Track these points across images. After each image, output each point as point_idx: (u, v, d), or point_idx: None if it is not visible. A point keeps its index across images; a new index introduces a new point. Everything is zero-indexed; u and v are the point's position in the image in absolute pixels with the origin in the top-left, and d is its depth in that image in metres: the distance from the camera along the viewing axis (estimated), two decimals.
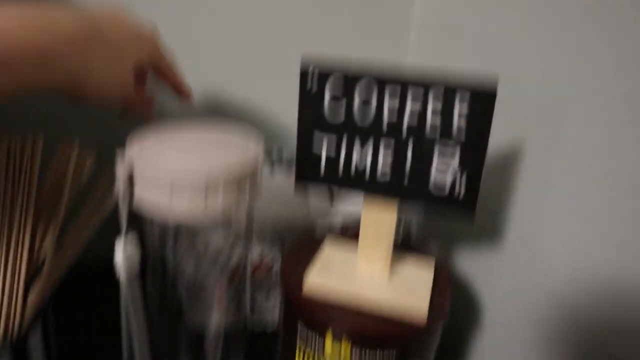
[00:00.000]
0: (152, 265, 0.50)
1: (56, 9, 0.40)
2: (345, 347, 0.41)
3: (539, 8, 0.50)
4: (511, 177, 0.54)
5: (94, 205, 0.52)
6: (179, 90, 0.56)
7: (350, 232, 0.55)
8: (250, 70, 0.70)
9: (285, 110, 0.72)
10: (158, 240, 0.49)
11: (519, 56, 0.53)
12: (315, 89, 0.42)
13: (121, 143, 0.43)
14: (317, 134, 0.43)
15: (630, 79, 0.41)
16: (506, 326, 0.55)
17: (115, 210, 0.43)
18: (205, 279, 0.52)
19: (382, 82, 0.41)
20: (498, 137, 0.47)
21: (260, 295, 0.59)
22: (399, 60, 0.76)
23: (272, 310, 0.60)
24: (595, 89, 0.44)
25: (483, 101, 0.40)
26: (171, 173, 0.39)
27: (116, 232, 0.43)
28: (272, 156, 0.67)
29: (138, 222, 0.44)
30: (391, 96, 0.41)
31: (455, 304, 0.48)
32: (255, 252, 0.57)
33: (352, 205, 0.58)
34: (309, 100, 0.43)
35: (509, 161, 0.53)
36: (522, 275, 0.53)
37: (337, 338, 0.41)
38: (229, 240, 0.51)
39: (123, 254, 0.42)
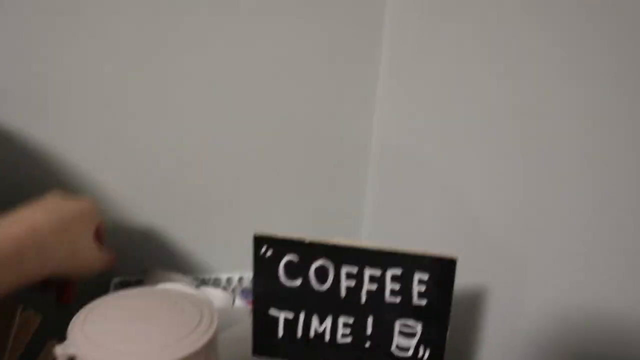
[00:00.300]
0: None
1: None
2: None
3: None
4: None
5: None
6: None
7: None
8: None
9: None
10: None
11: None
12: (269, 263, 0.41)
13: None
14: (273, 309, 0.42)
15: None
16: None
17: None
18: None
19: (338, 262, 0.40)
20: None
21: None
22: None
23: None
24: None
25: (444, 269, 0.39)
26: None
27: None
28: (232, 286, 0.65)
29: None
30: (349, 276, 0.40)
31: None
32: None
33: None
34: (263, 274, 0.41)
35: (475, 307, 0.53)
36: None
37: None
38: None
39: None
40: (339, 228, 0.73)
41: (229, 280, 0.68)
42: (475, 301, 0.52)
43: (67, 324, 0.42)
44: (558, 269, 0.44)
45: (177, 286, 0.49)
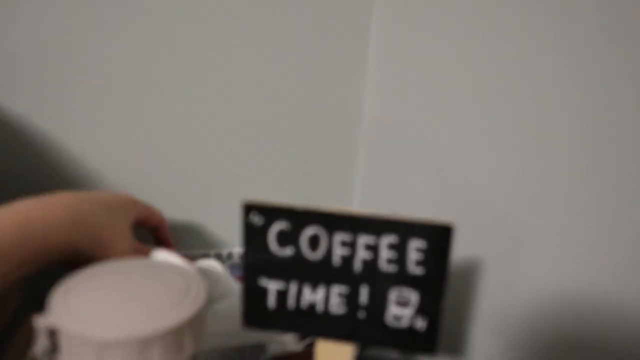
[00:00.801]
0: None
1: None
2: None
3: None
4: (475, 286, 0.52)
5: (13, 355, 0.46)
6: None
7: (304, 343, 0.51)
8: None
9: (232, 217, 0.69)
10: None
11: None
12: (259, 232, 0.39)
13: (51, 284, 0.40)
14: (263, 279, 0.40)
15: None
16: None
17: None
18: None
19: (321, 220, 0.38)
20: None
21: None
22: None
23: None
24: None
25: (441, 236, 0.37)
26: (99, 336, 0.35)
27: None
28: (222, 260, 0.64)
29: None
30: (342, 244, 0.38)
31: None
32: None
33: None
34: (253, 243, 0.40)
35: (470, 275, 0.51)
36: None
37: None
38: None
39: None
40: (330, 202, 0.71)
41: (217, 255, 0.66)
42: (468, 275, 0.51)
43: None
44: (555, 247, 0.43)
45: (164, 257, 0.47)
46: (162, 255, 0.49)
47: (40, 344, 0.36)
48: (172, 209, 0.64)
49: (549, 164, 0.43)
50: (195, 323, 0.39)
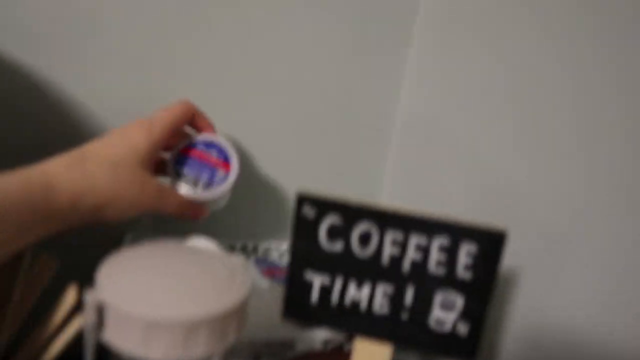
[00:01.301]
0: None
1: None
2: None
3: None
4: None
5: (54, 326, 0.46)
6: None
7: (330, 345, 0.51)
8: None
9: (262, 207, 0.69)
10: None
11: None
12: (310, 224, 0.39)
13: (91, 256, 0.41)
14: (309, 272, 0.40)
15: None
16: None
17: (81, 339, 0.38)
18: None
19: (383, 227, 0.38)
20: None
21: None
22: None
23: None
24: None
25: (492, 241, 0.37)
26: (147, 316, 0.34)
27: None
28: (247, 253, 0.64)
29: (105, 356, 0.39)
30: (393, 243, 0.38)
31: None
32: None
33: None
34: (302, 235, 0.40)
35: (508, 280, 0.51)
36: None
37: None
38: None
39: None
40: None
41: (243, 247, 0.66)
42: (506, 280, 0.51)
43: (85, 269, 0.40)
44: (601, 255, 0.43)
45: (204, 244, 0.47)
46: (202, 243, 0.49)
47: (88, 318, 0.36)
48: None
49: (600, 175, 0.43)
50: (240, 311, 0.39)
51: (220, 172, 0.55)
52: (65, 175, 0.44)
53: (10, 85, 0.57)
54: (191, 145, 0.56)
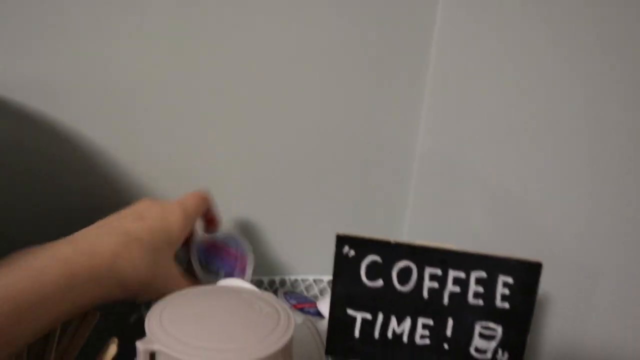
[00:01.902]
0: None
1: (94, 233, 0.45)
2: None
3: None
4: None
5: None
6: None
7: None
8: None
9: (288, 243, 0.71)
10: None
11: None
12: (351, 264, 0.41)
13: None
14: (350, 309, 0.41)
15: None
16: None
17: None
18: None
19: (422, 264, 0.40)
20: None
21: None
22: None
23: None
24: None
25: (528, 273, 0.39)
26: (200, 357, 0.36)
27: None
28: (275, 287, 0.65)
29: None
30: (432, 278, 0.40)
31: None
32: None
33: None
34: (343, 274, 0.41)
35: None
36: None
37: None
38: None
39: None
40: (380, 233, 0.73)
41: (271, 282, 0.67)
42: (538, 308, 0.52)
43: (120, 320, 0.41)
44: (630, 285, 0.44)
45: (241, 285, 0.48)
46: (237, 282, 0.50)
47: None
48: (229, 221, 0.66)
49: (623, 192, 0.44)
50: (287, 352, 0.40)
51: (239, 264, 0.58)
52: (114, 260, 0.44)
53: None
54: (214, 239, 0.59)
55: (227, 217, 0.65)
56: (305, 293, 0.68)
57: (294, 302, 0.64)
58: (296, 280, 0.68)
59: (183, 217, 0.50)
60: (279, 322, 0.41)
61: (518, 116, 0.54)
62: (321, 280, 0.69)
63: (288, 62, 0.63)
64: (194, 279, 0.54)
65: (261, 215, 0.68)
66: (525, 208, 0.54)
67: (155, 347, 0.37)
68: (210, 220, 0.58)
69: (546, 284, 0.51)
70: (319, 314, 0.62)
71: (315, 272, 0.70)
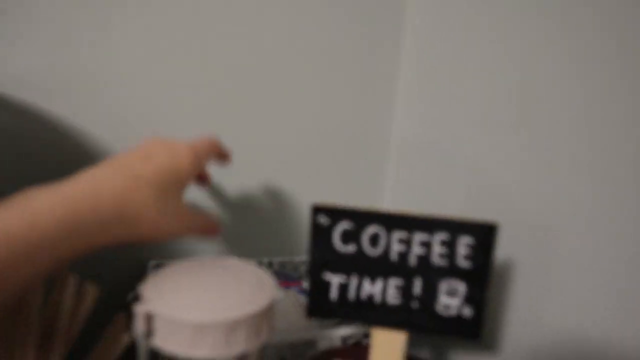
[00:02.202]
0: None
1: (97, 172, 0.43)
2: None
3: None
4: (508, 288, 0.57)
5: (107, 344, 0.51)
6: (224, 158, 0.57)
7: (350, 341, 0.56)
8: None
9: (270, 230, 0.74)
10: None
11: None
12: (325, 231, 0.45)
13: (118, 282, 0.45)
14: (327, 273, 0.45)
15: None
16: None
17: (132, 349, 0.43)
18: None
19: (380, 221, 0.44)
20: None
21: None
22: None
23: None
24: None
25: (486, 233, 0.43)
26: (193, 320, 0.40)
27: None
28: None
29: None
30: (400, 241, 0.44)
31: None
32: None
33: None
34: (319, 241, 0.45)
35: (505, 272, 0.57)
36: None
37: None
38: None
39: None
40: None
41: (258, 264, 0.71)
42: (504, 275, 0.56)
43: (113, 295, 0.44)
44: (590, 249, 0.48)
45: (232, 261, 0.52)
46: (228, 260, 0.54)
47: (139, 328, 0.41)
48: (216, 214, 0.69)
49: (594, 177, 0.48)
50: (270, 311, 0.44)
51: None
52: (121, 201, 0.42)
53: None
54: None
55: (210, 203, 0.69)
56: (292, 273, 0.71)
57: (280, 280, 0.68)
58: (283, 262, 0.72)
59: (192, 158, 0.48)
60: (262, 288, 0.45)
61: (492, 98, 0.58)
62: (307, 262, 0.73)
63: (264, 54, 0.67)
64: (204, 218, 0.52)
65: (248, 199, 0.72)
66: (501, 190, 0.58)
67: (152, 308, 0.41)
68: (224, 157, 0.56)
69: (509, 248, 0.55)
70: (304, 292, 0.66)
71: (301, 254, 0.74)
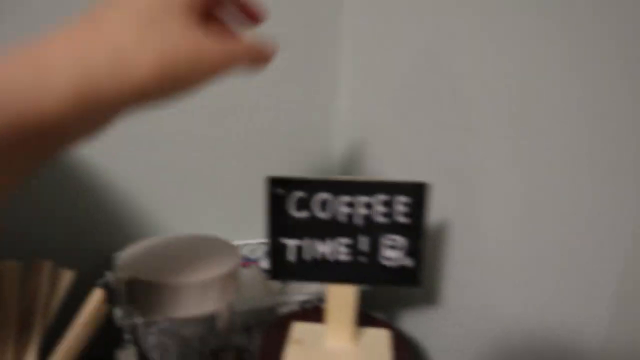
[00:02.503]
0: None
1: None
2: None
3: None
4: (445, 243, 0.64)
5: (85, 317, 0.55)
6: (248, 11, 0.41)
7: (307, 305, 0.62)
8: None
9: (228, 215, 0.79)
10: (157, 347, 0.53)
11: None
12: (281, 200, 0.51)
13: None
14: (284, 238, 0.51)
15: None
16: None
17: (109, 321, 0.47)
18: None
19: (328, 188, 0.50)
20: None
21: None
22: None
23: None
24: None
25: (420, 192, 0.50)
26: (169, 280, 0.45)
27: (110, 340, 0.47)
28: None
29: (133, 329, 0.48)
30: (338, 198, 0.50)
31: None
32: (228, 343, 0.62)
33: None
34: (275, 210, 0.51)
35: (442, 230, 0.64)
36: (460, 327, 0.62)
37: None
38: (206, 330, 0.56)
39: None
40: None
41: None
42: (440, 231, 0.63)
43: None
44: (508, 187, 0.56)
45: (198, 234, 0.57)
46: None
47: (120, 293, 0.46)
48: (177, 199, 0.74)
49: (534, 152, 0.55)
50: (236, 274, 0.49)
51: None
52: (107, 49, 0.29)
53: None
54: None
55: (171, 194, 0.73)
56: (249, 255, 0.77)
57: (243, 261, 0.73)
58: (241, 246, 0.77)
59: None
60: (228, 254, 0.50)
61: (428, 77, 0.65)
62: (264, 244, 0.78)
63: None
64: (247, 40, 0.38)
65: (205, 188, 0.76)
66: (437, 156, 0.65)
67: (130, 274, 0.46)
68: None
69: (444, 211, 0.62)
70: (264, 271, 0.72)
71: (257, 237, 0.79)
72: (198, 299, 0.46)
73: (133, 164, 0.70)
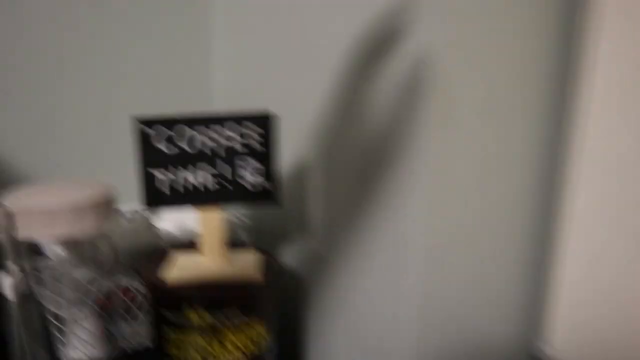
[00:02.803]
0: (28, 305, 0.58)
1: None
2: (203, 314, 0.56)
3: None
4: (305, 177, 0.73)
5: None
6: None
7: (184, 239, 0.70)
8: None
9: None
10: (34, 279, 0.58)
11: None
12: (151, 141, 0.58)
13: None
14: (154, 170, 0.59)
15: None
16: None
17: None
18: (77, 312, 0.61)
19: (192, 124, 0.59)
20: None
21: (127, 321, 0.70)
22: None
23: (140, 332, 0.71)
24: None
25: (269, 121, 0.59)
26: (45, 205, 0.51)
27: None
28: None
29: (19, 256, 0.54)
30: (201, 133, 0.59)
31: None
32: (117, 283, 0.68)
33: (175, 216, 0.73)
34: (146, 147, 0.58)
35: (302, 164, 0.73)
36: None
37: (196, 309, 0.56)
38: (95, 273, 0.62)
39: (11, 283, 0.52)
40: None
41: None
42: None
43: None
44: None
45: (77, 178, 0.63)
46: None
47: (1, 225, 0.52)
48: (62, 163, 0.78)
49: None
50: (109, 203, 0.56)
51: None
52: None
53: None
54: None
55: (52, 161, 0.79)
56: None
57: None
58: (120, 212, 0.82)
59: None
60: (101, 189, 0.57)
61: (296, 45, 0.74)
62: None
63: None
64: None
65: (82, 155, 0.82)
66: (297, 104, 0.74)
67: (10, 207, 0.52)
68: None
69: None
70: None
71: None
72: (74, 221, 0.52)
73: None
